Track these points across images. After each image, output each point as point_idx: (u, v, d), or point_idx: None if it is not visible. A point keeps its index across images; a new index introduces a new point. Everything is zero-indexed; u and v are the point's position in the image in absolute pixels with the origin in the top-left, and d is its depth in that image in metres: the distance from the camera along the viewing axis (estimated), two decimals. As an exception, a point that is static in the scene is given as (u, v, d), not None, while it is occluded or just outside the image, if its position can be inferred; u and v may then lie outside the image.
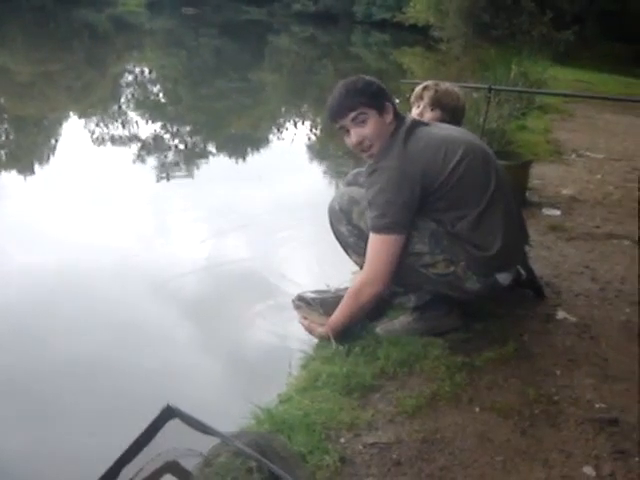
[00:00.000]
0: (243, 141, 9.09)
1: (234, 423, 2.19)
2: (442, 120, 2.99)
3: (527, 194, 4.37)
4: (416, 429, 2.16)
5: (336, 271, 3.51)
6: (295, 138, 9.68)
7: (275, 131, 10.56)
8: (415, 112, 3.17)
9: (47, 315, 3.62)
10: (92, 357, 3.17)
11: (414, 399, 2.29)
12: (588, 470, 2.02)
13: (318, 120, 11.56)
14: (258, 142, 9.17)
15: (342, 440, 2.10)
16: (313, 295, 2.86)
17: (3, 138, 9.37)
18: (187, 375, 3.00)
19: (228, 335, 3.35)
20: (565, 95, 5.94)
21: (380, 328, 2.75)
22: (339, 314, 2.64)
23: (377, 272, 2.51)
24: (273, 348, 3.04)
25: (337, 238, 2.78)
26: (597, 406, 2.32)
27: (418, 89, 3.23)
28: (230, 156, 8.33)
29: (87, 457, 2.44)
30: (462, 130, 2.76)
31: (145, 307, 3.72)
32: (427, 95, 3.16)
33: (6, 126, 9.98)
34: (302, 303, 2.86)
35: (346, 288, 2.90)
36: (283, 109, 12.88)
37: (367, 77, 2.58)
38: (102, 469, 2.03)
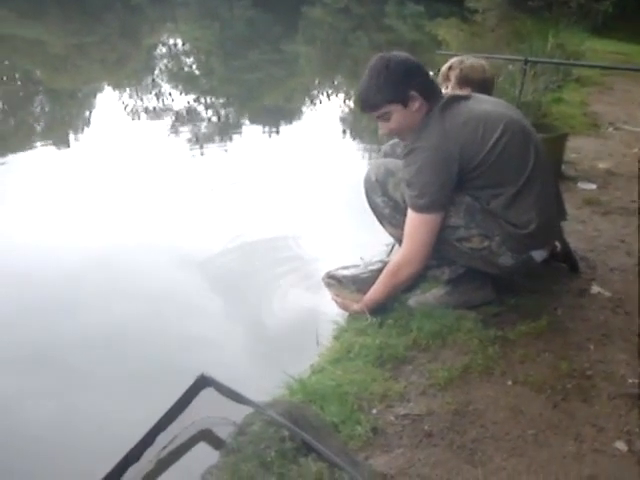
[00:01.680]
0: (276, 113, 9.08)
1: (267, 393, 2.21)
2: None
3: (563, 167, 4.31)
4: (448, 401, 2.17)
5: (368, 243, 3.51)
6: (328, 110, 9.64)
7: (308, 103, 10.52)
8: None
9: (82, 286, 3.69)
10: (125, 326, 3.23)
11: (446, 371, 2.30)
12: (620, 445, 2.02)
13: (351, 92, 11.50)
14: (291, 114, 9.15)
15: (374, 411, 2.12)
16: (344, 272, 2.86)
17: (38, 110, 9.48)
18: (220, 345, 3.04)
19: (260, 306, 3.38)
20: (602, 67, 5.80)
21: (413, 300, 2.76)
22: (375, 292, 2.65)
23: (416, 251, 2.51)
24: (305, 318, 3.06)
25: (372, 209, 2.77)
26: (630, 381, 2.30)
27: (444, 69, 3.21)
28: (263, 128, 8.33)
29: (121, 425, 2.49)
30: (502, 103, 2.70)
31: (176, 279, 3.76)
32: (453, 75, 3.14)
33: (41, 97, 10.08)
34: (333, 281, 2.87)
35: (377, 262, 2.91)
36: (316, 81, 12.80)
37: (392, 62, 2.48)
38: (136, 436, 2.10)
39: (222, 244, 4.14)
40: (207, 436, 2.17)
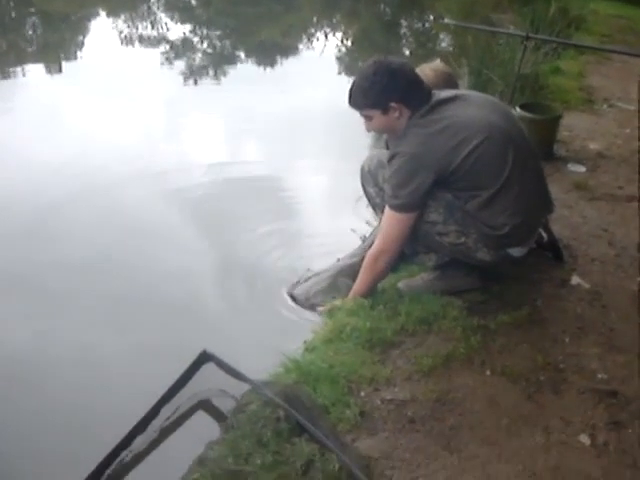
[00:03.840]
0: (272, 48, 9.07)
1: (264, 370, 2.37)
2: None
3: (554, 147, 4.41)
4: (430, 388, 2.34)
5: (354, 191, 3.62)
6: (325, 49, 9.60)
7: (305, 40, 10.45)
8: None
9: (64, 213, 3.88)
10: (108, 256, 3.47)
11: (430, 358, 2.47)
12: (584, 438, 2.19)
13: (350, 32, 11.40)
14: (287, 50, 9.13)
15: (362, 394, 2.30)
16: (298, 291, 3.15)
17: (30, 32, 9.39)
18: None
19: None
20: (602, 50, 5.86)
21: (402, 283, 2.92)
22: (358, 285, 2.83)
23: (388, 244, 2.70)
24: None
25: (366, 197, 2.98)
26: (599, 376, 2.47)
27: None
28: (258, 63, 8.35)
29: (97, 351, 2.75)
30: (489, 102, 2.77)
31: (162, 215, 3.97)
32: None
33: (33, 20, 9.96)
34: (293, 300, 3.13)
35: (325, 272, 3.17)
36: (315, 18, 12.63)
37: (380, 70, 2.59)
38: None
39: (213, 181, 4.39)
40: (207, 407, 2.35)
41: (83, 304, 3.07)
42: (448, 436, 2.17)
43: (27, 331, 2.85)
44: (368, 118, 2.69)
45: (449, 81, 3.17)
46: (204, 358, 2.34)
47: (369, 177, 2.88)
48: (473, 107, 2.65)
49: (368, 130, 2.81)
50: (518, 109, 4.19)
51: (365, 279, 2.81)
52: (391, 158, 2.62)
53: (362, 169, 2.92)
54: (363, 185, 2.94)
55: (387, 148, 2.96)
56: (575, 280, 3.07)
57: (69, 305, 3.07)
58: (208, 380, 2.35)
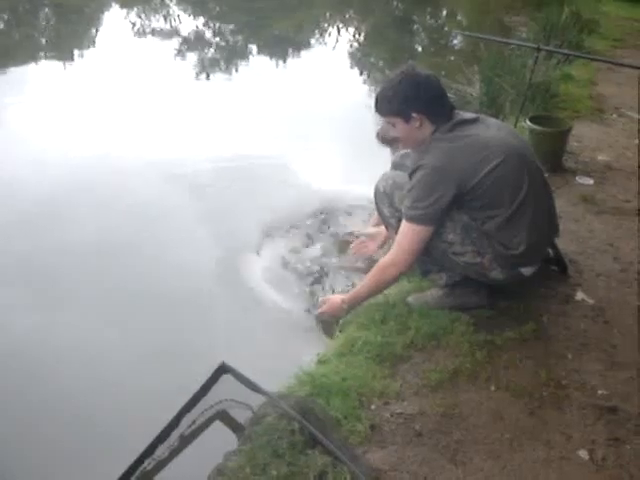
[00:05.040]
0: (284, 43, 9.18)
1: (277, 376, 2.49)
2: None
3: (564, 158, 4.49)
4: (438, 403, 2.45)
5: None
6: (337, 44, 9.70)
7: (318, 35, 10.54)
8: None
9: (73, 199, 4.04)
10: (113, 243, 3.60)
11: (438, 373, 2.58)
12: (583, 454, 2.30)
13: (362, 27, 11.47)
14: (299, 45, 9.26)
15: (373, 407, 2.41)
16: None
17: (43, 24, 9.49)
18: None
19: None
20: (613, 63, 5.90)
21: (412, 297, 3.02)
22: (363, 287, 2.95)
23: (401, 255, 2.78)
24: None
25: (381, 217, 3.07)
26: (600, 392, 2.57)
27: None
28: (270, 57, 8.46)
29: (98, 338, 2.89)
30: (506, 128, 2.90)
31: (174, 209, 4.11)
32: None
33: (46, 12, 10.05)
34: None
35: None
36: (327, 14, 12.69)
37: (406, 80, 2.71)
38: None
39: (225, 172, 4.54)
40: (225, 417, 2.48)
41: (91, 302, 3.20)
42: (454, 450, 2.27)
43: (30, 325, 2.98)
44: (391, 124, 2.81)
45: None
46: (222, 370, 2.45)
47: (384, 197, 2.97)
48: (493, 129, 2.78)
49: (386, 135, 2.95)
50: (528, 122, 4.28)
51: (369, 285, 2.92)
52: (414, 171, 2.73)
53: (377, 189, 3.01)
54: (377, 204, 3.03)
55: (394, 169, 3.08)
56: (580, 296, 3.16)
57: (82, 303, 3.19)
58: (225, 391, 2.47)
